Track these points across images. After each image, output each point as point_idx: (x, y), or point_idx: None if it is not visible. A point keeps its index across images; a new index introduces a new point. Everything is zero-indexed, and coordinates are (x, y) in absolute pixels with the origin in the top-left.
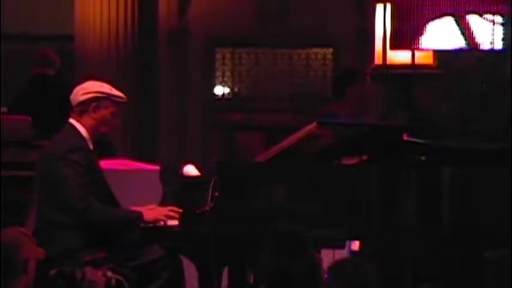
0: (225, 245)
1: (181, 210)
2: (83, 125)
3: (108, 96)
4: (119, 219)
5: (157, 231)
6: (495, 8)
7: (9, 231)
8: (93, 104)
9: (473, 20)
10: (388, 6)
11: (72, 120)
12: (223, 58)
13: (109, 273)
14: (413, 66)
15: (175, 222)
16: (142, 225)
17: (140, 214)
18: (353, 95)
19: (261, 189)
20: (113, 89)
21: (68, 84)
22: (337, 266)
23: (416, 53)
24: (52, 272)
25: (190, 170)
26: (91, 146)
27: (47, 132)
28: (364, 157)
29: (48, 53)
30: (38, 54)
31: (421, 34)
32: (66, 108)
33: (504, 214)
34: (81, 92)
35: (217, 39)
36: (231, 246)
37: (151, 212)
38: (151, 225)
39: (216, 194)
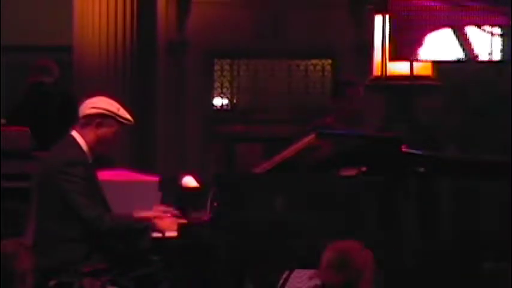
0: (223, 256)
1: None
2: (84, 138)
3: (114, 116)
4: (129, 227)
5: (155, 242)
6: (494, 19)
7: (8, 242)
8: (98, 120)
9: (471, 31)
10: (387, 17)
11: (73, 132)
12: (222, 69)
13: (108, 285)
14: (412, 77)
15: (173, 234)
16: (153, 234)
17: (150, 223)
18: (341, 107)
19: (260, 200)
20: (121, 109)
21: (67, 93)
22: None
23: (415, 65)
24: (51, 283)
25: (189, 181)
26: (90, 159)
27: (45, 142)
28: (363, 168)
29: (46, 62)
30: (35, 63)
31: (420, 45)
32: (64, 117)
33: (504, 226)
34: (89, 106)
35: (216, 51)
36: (230, 258)
37: (165, 222)
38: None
39: (215, 205)
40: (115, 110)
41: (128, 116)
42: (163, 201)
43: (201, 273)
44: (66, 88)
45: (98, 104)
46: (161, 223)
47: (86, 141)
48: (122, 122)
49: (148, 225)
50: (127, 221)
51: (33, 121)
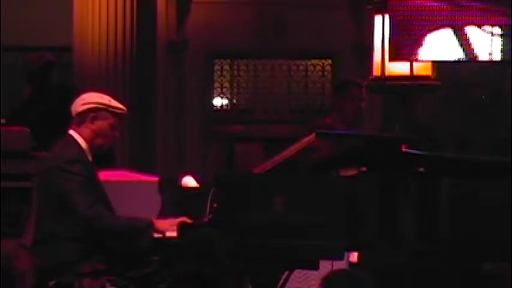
0: (223, 257)
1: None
2: (82, 136)
3: (107, 108)
4: (128, 227)
5: (155, 242)
6: (494, 19)
7: (8, 242)
8: (92, 115)
9: (471, 31)
10: (387, 17)
11: (71, 131)
12: (222, 69)
13: (107, 285)
14: (411, 77)
15: (173, 234)
16: (155, 234)
17: (151, 223)
18: (345, 107)
19: (259, 200)
20: (112, 100)
21: (70, 88)
22: (331, 277)
23: (415, 65)
24: (51, 283)
25: (189, 181)
26: (90, 158)
27: (48, 138)
28: (363, 168)
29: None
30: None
31: (420, 45)
32: (68, 114)
33: (504, 226)
34: (80, 103)
35: (216, 51)
36: (229, 258)
37: (166, 222)
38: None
39: (215, 205)
40: (107, 102)
41: (121, 106)
42: (164, 202)
43: (200, 273)
44: (68, 83)
45: (88, 99)
46: (161, 223)
47: (84, 139)
48: (115, 113)
49: (148, 225)
50: (127, 220)
51: (37, 117)
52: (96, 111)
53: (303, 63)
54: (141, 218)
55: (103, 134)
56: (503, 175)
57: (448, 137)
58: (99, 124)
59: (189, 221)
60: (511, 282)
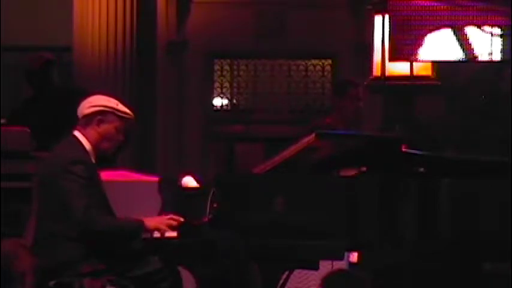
0: (223, 257)
1: (181, 219)
2: (87, 138)
3: (114, 111)
4: (121, 229)
5: (156, 242)
6: (494, 19)
7: (8, 243)
8: (98, 118)
9: (471, 31)
10: (387, 17)
11: (76, 132)
12: (222, 69)
13: (107, 285)
14: (412, 77)
15: (173, 234)
16: (143, 233)
17: (142, 222)
18: (344, 107)
19: (259, 200)
20: (119, 104)
21: (76, 90)
22: (331, 277)
23: (415, 65)
24: (51, 283)
25: (189, 181)
26: (93, 159)
27: (49, 139)
28: (363, 169)
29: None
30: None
31: (420, 46)
32: (70, 115)
33: (504, 226)
34: (87, 105)
35: (216, 51)
36: (229, 258)
37: (153, 220)
38: (150, 236)
39: (215, 205)
40: (114, 106)
41: (127, 110)
42: (164, 202)
43: (200, 273)
44: (69, 83)
45: (96, 102)
46: (149, 221)
47: (89, 141)
48: (122, 117)
49: (140, 225)
50: (118, 223)
51: (37, 117)
52: (103, 114)
53: (303, 63)
54: (132, 219)
55: (109, 137)
56: (503, 175)
57: (448, 137)
58: (105, 127)
59: (176, 218)
60: (511, 282)
